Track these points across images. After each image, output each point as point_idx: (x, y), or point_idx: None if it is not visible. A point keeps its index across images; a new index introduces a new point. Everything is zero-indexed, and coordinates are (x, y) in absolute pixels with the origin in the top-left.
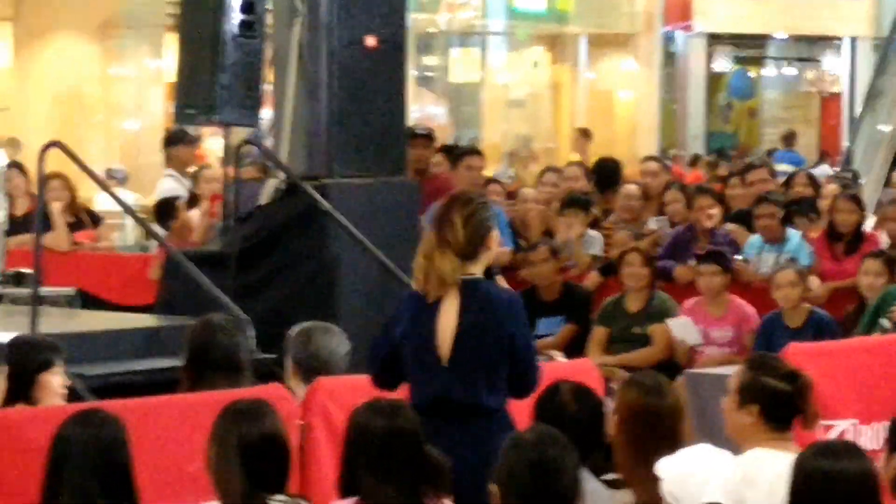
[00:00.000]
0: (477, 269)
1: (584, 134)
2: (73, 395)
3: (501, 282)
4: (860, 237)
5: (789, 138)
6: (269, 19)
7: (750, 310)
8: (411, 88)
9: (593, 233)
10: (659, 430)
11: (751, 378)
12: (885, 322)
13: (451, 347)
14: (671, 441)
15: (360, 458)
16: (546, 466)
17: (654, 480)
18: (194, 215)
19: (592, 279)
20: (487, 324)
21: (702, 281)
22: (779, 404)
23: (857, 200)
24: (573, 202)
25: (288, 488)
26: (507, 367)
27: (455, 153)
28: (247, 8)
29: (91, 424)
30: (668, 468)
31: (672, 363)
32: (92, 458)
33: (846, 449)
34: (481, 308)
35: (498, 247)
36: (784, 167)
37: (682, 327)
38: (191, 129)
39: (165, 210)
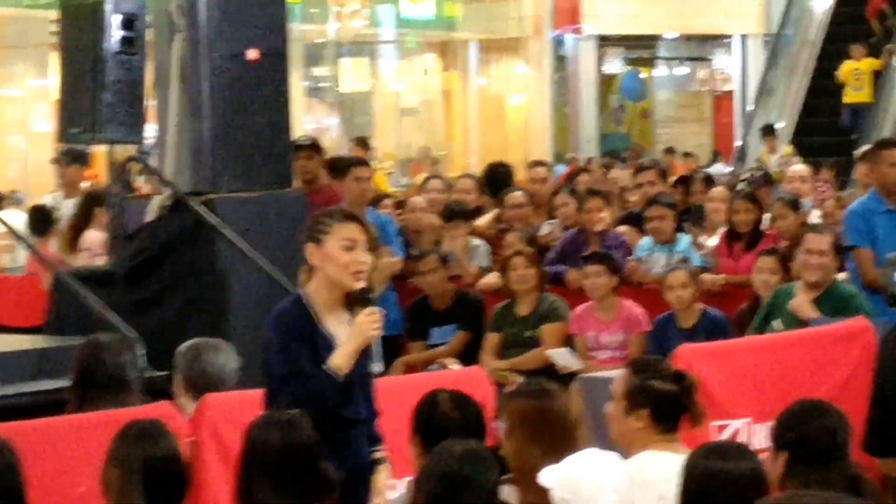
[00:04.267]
0: None
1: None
2: None
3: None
4: (758, 235)
5: None
6: (149, 35)
7: (639, 311)
8: (302, 100)
9: (477, 241)
10: (551, 435)
11: (637, 382)
12: (776, 324)
13: None
14: (564, 446)
15: (257, 471)
16: (456, 480)
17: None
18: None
19: (488, 283)
20: None
21: (587, 282)
22: (667, 406)
23: (753, 199)
24: (454, 213)
25: None
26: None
27: (343, 164)
28: (127, 24)
29: None
30: (556, 476)
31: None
32: None
33: (735, 449)
34: None
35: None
36: None
37: (561, 356)
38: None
39: (40, 218)
